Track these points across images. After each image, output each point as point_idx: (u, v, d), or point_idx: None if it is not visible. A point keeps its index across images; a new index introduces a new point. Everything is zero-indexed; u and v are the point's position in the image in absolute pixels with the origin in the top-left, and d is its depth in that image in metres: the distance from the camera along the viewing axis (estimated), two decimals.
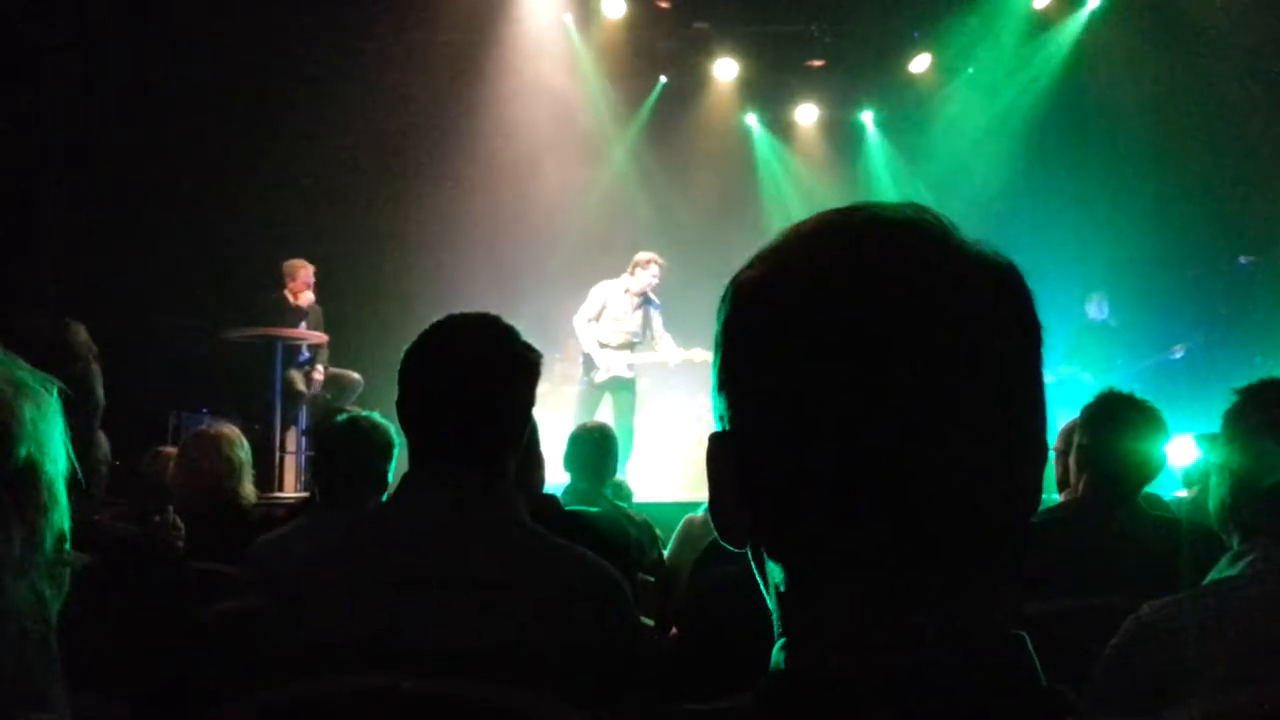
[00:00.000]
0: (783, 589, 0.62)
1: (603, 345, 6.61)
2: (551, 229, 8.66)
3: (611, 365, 6.59)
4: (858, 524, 0.57)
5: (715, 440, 0.64)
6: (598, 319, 6.61)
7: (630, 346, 6.69)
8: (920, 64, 9.21)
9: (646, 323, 6.70)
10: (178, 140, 7.42)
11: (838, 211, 0.63)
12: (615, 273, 6.80)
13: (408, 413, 1.52)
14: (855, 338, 0.57)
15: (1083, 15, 8.52)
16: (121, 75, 7.05)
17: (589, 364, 6.65)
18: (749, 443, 0.61)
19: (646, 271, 6.58)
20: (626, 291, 6.63)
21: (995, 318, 0.59)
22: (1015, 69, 9.08)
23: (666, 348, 6.70)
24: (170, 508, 2.73)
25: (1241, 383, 1.67)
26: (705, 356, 6.53)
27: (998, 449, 0.58)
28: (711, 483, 0.64)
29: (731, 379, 0.63)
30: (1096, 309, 8.02)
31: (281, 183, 7.97)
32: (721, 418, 0.64)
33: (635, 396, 6.83)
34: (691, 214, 9.51)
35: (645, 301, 6.67)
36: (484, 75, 8.42)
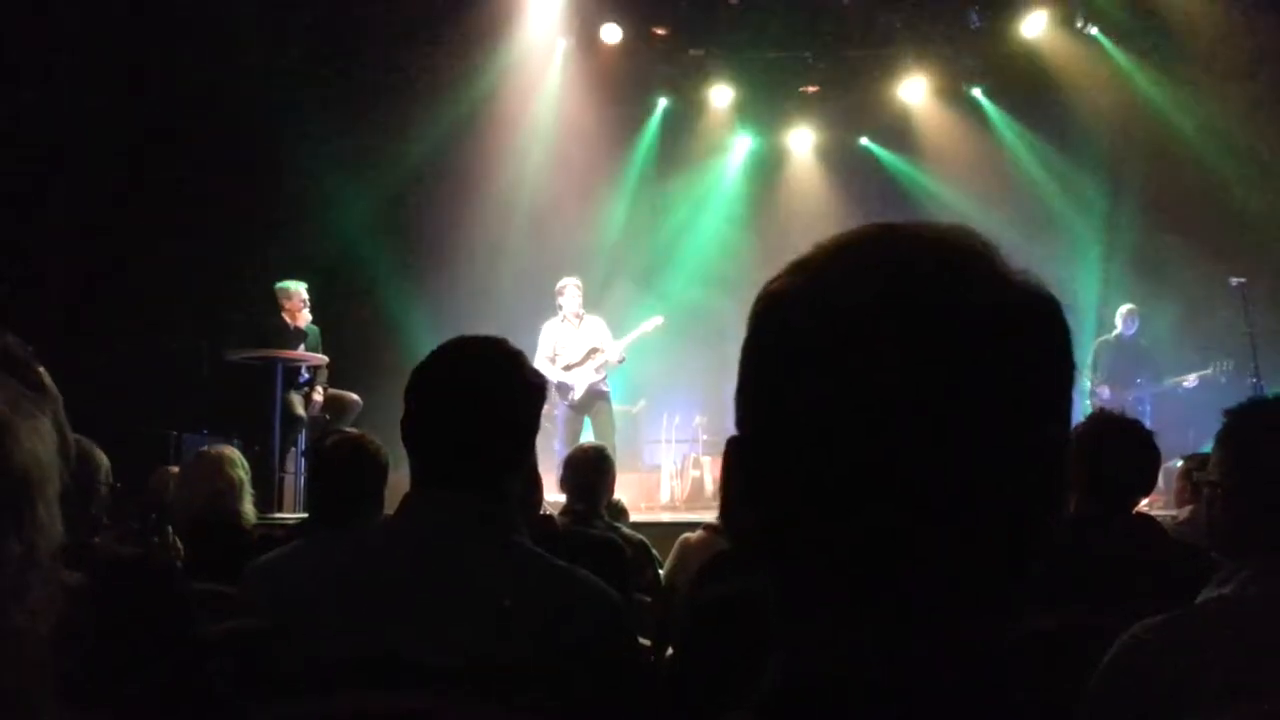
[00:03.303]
0: (781, 599, 0.61)
1: (567, 368, 7.00)
2: (553, 251, 8.71)
3: (584, 378, 6.98)
4: (864, 539, 0.57)
5: (731, 444, 0.64)
6: (555, 356, 7.04)
7: (591, 356, 7.07)
8: (914, 88, 9.28)
9: (595, 335, 7.12)
10: (181, 163, 7.46)
11: (879, 226, 0.62)
12: (614, 292, 6.97)
13: (412, 432, 1.53)
14: (876, 356, 0.56)
15: (1082, 30, 8.57)
16: (126, 98, 7.10)
17: (564, 389, 6.99)
18: (763, 448, 0.61)
19: (567, 295, 7.09)
20: (564, 320, 7.11)
21: (1032, 345, 0.58)
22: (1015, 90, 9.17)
23: (612, 346, 7.10)
24: (170, 528, 2.73)
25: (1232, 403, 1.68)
26: (652, 325, 7.14)
27: (1019, 474, 0.57)
28: (723, 485, 0.64)
29: (753, 384, 0.62)
30: (1127, 324, 7.97)
31: (283, 205, 8.01)
32: (740, 422, 0.63)
33: (612, 408, 7.19)
34: (693, 234, 9.59)
35: (583, 319, 7.13)
36: (481, 99, 8.47)
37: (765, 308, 0.62)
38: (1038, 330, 0.59)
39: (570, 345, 7.06)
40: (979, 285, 0.58)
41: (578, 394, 6.97)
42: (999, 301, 0.58)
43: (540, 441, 1.65)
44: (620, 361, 7.17)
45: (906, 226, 0.61)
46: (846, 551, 0.57)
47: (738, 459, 0.63)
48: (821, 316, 0.59)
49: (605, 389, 7.11)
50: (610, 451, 4.00)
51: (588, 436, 6.89)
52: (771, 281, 0.63)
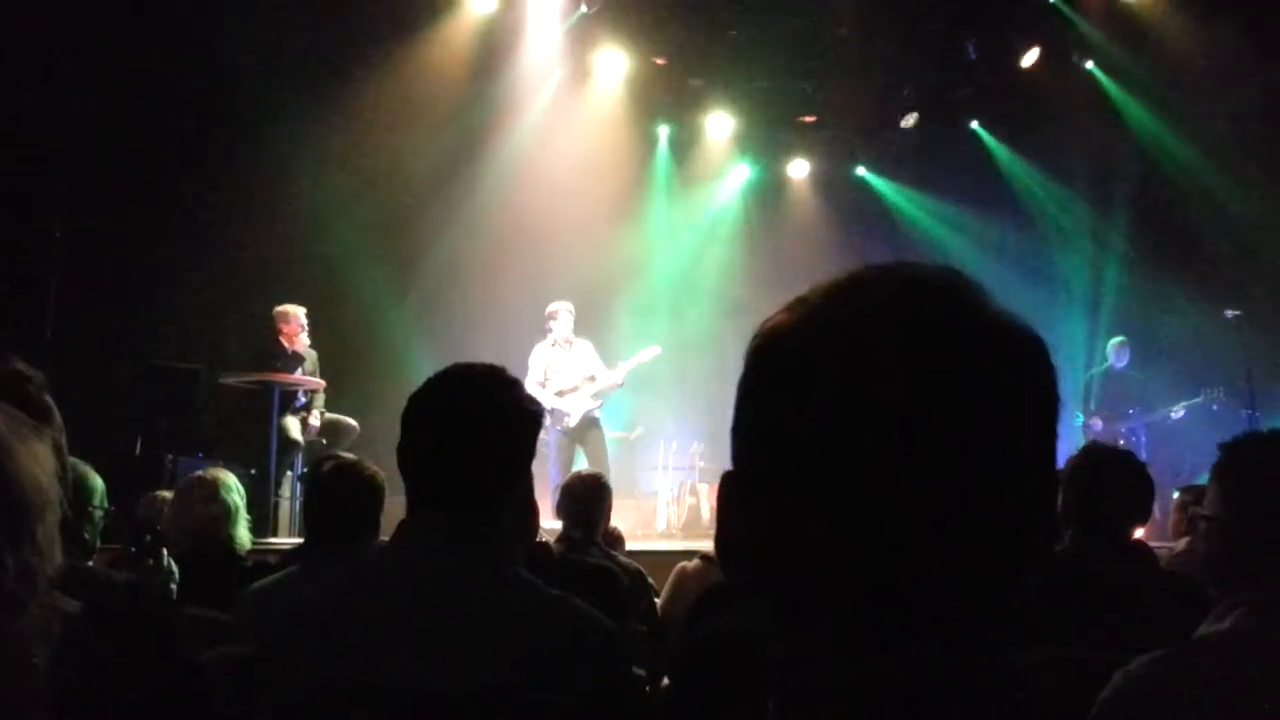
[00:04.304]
0: (780, 628, 0.62)
1: (560, 394, 7.00)
2: (552, 277, 8.73)
3: (579, 405, 6.98)
4: (857, 572, 0.58)
5: (726, 478, 0.65)
6: (546, 379, 7.05)
7: (587, 382, 7.08)
8: (911, 118, 9.36)
9: (586, 360, 7.13)
10: (179, 185, 7.49)
11: (872, 268, 0.64)
12: (613, 320, 6.99)
13: (409, 458, 1.53)
14: (871, 396, 0.58)
15: (1078, 64, 8.64)
16: (125, 118, 7.14)
17: (557, 415, 6.98)
18: (758, 484, 0.62)
19: (559, 320, 7.11)
20: (554, 344, 7.12)
21: (1018, 385, 0.60)
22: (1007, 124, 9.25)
23: (609, 374, 7.11)
24: (165, 552, 2.72)
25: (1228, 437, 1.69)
26: (650, 354, 7.13)
27: (1009, 516, 0.59)
28: (719, 519, 0.65)
29: (748, 420, 0.64)
30: (1118, 356, 8.02)
31: (280, 230, 8.03)
32: (736, 457, 0.65)
33: (604, 435, 7.18)
34: (691, 261, 9.63)
35: (573, 343, 7.14)
36: (481, 126, 8.53)
37: (762, 347, 0.64)
38: (1023, 366, 0.61)
39: (562, 370, 7.07)
40: (966, 324, 0.60)
41: (573, 420, 6.97)
42: (985, 339, 0.60)
43: (535, 468, 1.65)
44: (620, 385, 7.17)
45: (898, 268, 0.63)
46: (847, 572, 0.59)
47: (735, 494, 0.64)
48: (818, 356, 0.60)
49: (597, 415, 7.12)
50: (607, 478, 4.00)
51: (580, 463, 6.90)
52: (767, 321, 0.65)
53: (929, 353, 0.58)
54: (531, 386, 6.87)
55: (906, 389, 0.57)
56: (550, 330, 7.12)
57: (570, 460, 6.94)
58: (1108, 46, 8.34)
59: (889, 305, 0.61)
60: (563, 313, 7.10)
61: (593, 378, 7.06)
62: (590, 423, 7.03)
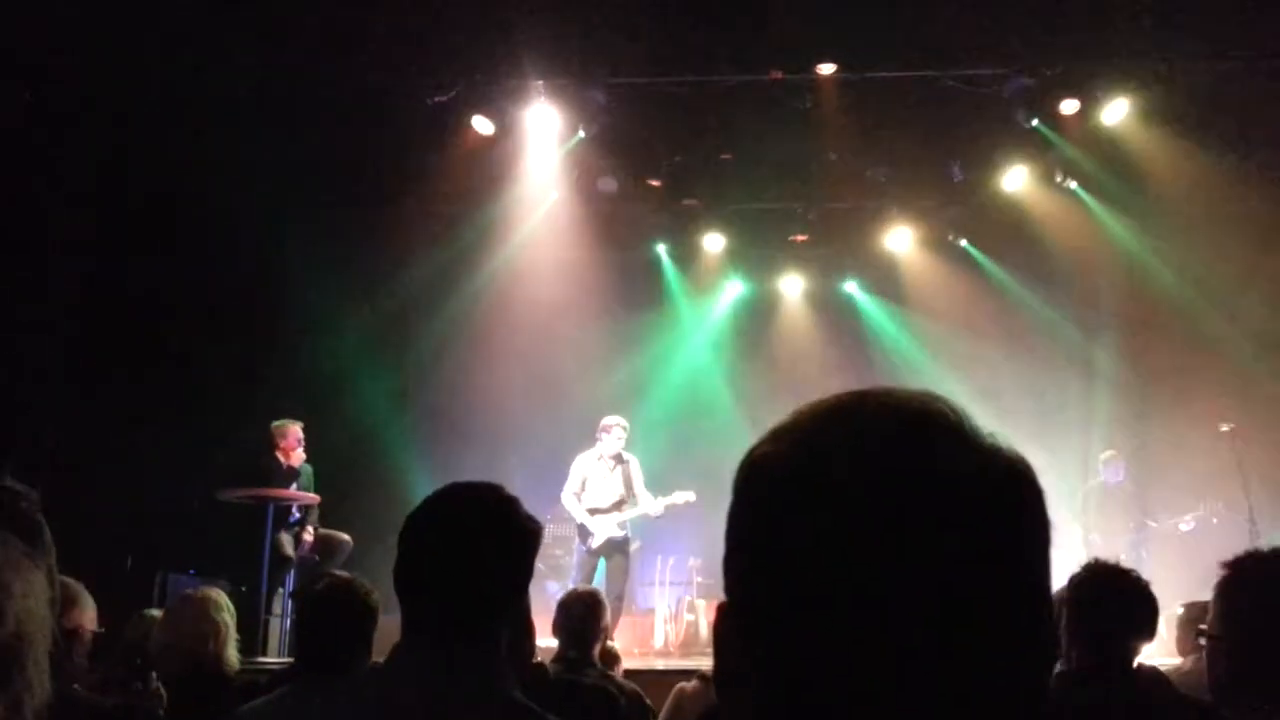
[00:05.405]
0: None
1: (594, 512, 6.86)
2: (544, 390, 8.78)
3: (605, 529, 6.81)
4: (855, 707, 0.57)
5: (720, 611, 0.65)
6: (582, 490, 6.91)
7: (619, 507, 6.91)
8: (900, 237, 9.57)
9: (628, 480, 6.96)
10: (176, 301, 7.58)
11: (853, 395, 0.64)
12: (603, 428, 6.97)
13: (405, 580, 1.52)
14: (861, 527, 0.58)
15: (1061, 184, 8.88)
16: (119, 228, 7.26)
17: (584, 533, 6.87)
18: (753, 617, 0.62)
19: (611, 435, 6.95)
20: (600, 458, 6.97)
21: (1006, 513, 0.60)
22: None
23: (646, 501, 6.93)
24: (153, 674, 2.66)
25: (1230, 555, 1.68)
26: (688, 497, 6.84)
27: (1004, 644, 0.58)
28: (715, 653, 0.65)
29: (740, 552, 0.64)
30: (1112, 471, 8.00)
31: (279, 344, 8.10)
32: (729, 589, 0.64)
33: (629, 560, 7.03)
34: (686, 376, 9.70)
35: (620, 461, 6.97)
36: (479, 243, 8.70)
37: (748, 477, 0.64)
38: (1012, 490, 0.61)
39: (600, 487, 6.90)
40: (950, 450, 0.61)
41: (596, 542, 6.81)
42: (969, 465, 0.60)
43: (533, 582, 1.63)
44: (657, 515, 6.96)
45: (879, 394, 0.64)
46: (848, 712, 0.58)
47: (731, 628, 0.64)
48: (804, 486, 0.60)
49: (620, 537, 6.89)
50: (609, 598, 3.95)
51: (599, 580, 6.76)
52: (753, 451, 0.65)
53: (914, 485, 0.58)
54: (567, 496, 6.87)
55: (893, 524, 0.57)
56: (599, 441, 6.96)
57: (590, 576, 6.78)
58: (1091, 167, 8.58)
59: (873, 436, 0.61)
60: (616, 429, 6.94)
61: (623, 502, 6.87)
62: (614, 545, 6.84)
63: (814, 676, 0.59)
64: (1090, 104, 7.83)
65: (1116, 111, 7.84)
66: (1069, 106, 7.83)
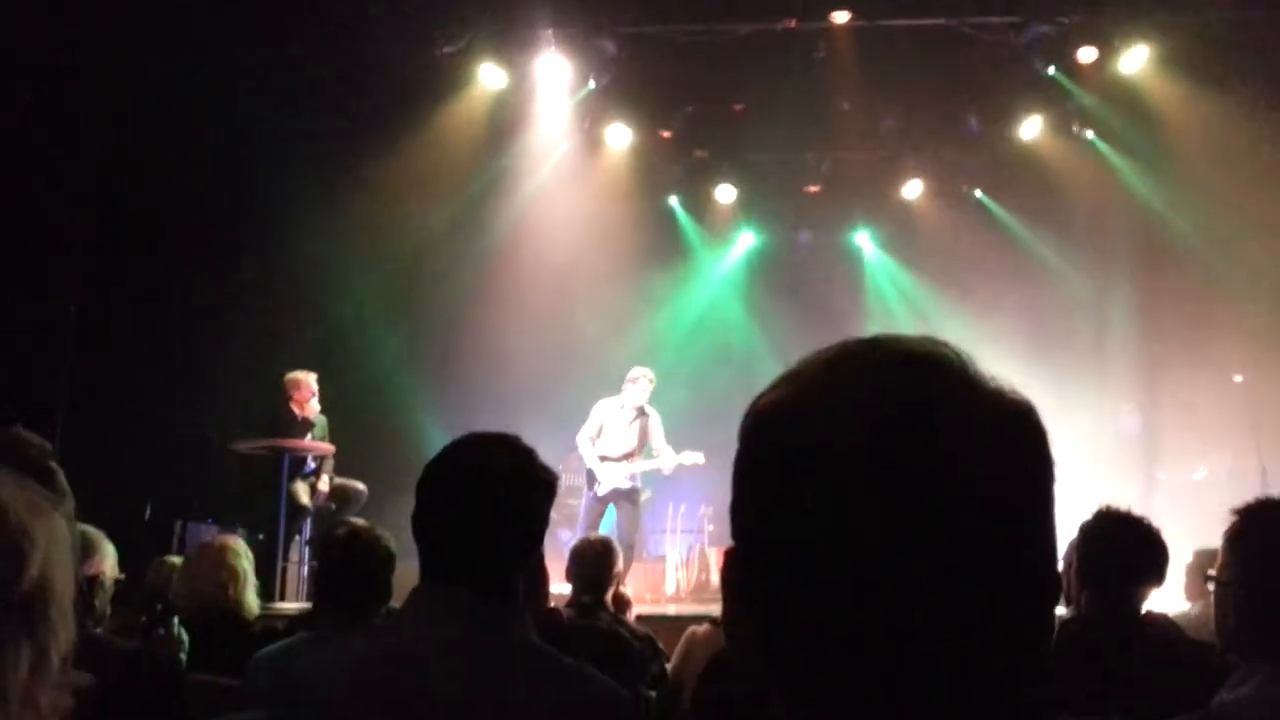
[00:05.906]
0: (785, 705, 0.62)
1: (604, 459, 6.87)
2: (556, 341, 8.78)
3: (612, 478, 6.83)
4: (858, 652, 0.58)
5: (728, 556, 0.65)
6: (598, 436, 6.90)
7: (629, 458, 6.93)
8: (913, 189, 9.48)
9: (644, 434, 6.96)
10: (190, 253, 7.59)
11: (859, 342, 0.64)
12: (615, 387, 6.96)
13: (423, 528, 1.54)
14: (867, 471, 0.58)
15: (1078, 134, 8.77)
16: (138, 192, 7.26)
17: (591, 478, 6.89)
18: (758, 562, 0.62)
19: (636, 386, 6.91)
20: (622, 407, 6.94)
21: (1010, 457, 0.60)
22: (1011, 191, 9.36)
23: (664, 456, 6.94)
24: (174, 619, 2.71)
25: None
26: (697, 459, 6.84)
27: (1009, 581, 0.59)
28: (724, 599, 0.66)
29: (746, 499, 0.64)
30: (1131, 423, 8.02)
31: (293, 295, 8.11)
32: (736, 535, 0.65)
33: (638, 509, 7.05)
34: (697, 325, 9.70)
35: (641, 414, 6.95)
36: (490, 195, 8.66)
37: (754, 424, 0.65)
38: (1016, 434, 0.61)
39: (615, 436, 6.89)
40: (954, 393, 0.61)
41: (603, 490, 6.84)
42: (974, 409, 0.60)
43: (547, 531, 1.64)
44: (668, 473, 7.01)
45: (883, 340, 0.64)
46: (854, 654, 0.58)
47: (737, 573, 0.64)
48: (809, 433, 0.61)
49: (628, 487, 6.90)
50: (621, 546, 3.99)
51: (609, 523, 6.84)
52: (758, 399, 0.65)
53: (919, 430, 0.59)
54: (582, 438, 6.88)
55: (900, 468, 0.58)
56: (624, 391, 6.93)
57: (596, 522, 6.82)
58: (1107, 115, 8.46)
59: (877, 383, 0.61)
60: (642, 380, 6.90)
61: (632, 454, 6.88)
62: (621, 494, 6.86)
63: (818, 620, 0.59)
64: (1109, 52, 7.69)
65: (1135, 60, 7.70)
66: (1087, 55, 7.69)
